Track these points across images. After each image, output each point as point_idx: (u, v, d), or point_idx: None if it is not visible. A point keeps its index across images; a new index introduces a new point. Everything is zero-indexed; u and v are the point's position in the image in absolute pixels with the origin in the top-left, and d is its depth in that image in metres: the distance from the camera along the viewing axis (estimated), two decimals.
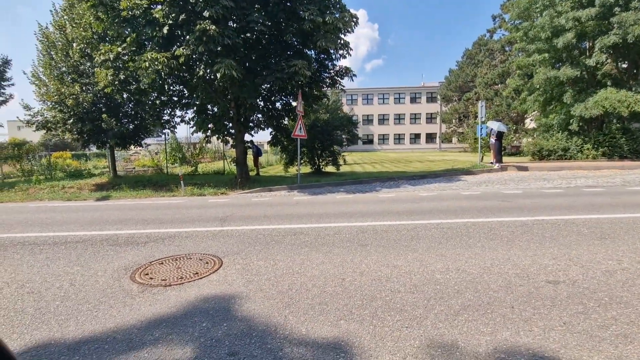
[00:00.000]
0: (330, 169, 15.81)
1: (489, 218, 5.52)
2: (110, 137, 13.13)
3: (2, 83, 15.60)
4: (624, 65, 16.25)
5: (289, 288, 3.14)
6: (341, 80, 12.28)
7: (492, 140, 14.26)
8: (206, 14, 8.36)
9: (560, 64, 16.35)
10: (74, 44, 12.81)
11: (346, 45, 10.51)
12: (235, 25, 9.66)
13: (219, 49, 8.53)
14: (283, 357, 2.12)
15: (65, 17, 13.18)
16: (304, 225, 5.52)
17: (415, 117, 49.49)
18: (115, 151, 16.31)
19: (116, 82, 10.05)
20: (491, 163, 14.17)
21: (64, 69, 13.09)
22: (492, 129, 14.38)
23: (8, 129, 38.27)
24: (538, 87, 17.04)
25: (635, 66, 15.76)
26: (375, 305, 2.75)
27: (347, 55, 11.01)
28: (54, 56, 13.14)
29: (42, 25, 13.41)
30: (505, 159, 16.01)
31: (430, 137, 49.30)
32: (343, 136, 15.78)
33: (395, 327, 2.42)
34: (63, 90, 12.25)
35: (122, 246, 4.67)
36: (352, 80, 12.33)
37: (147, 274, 3.61)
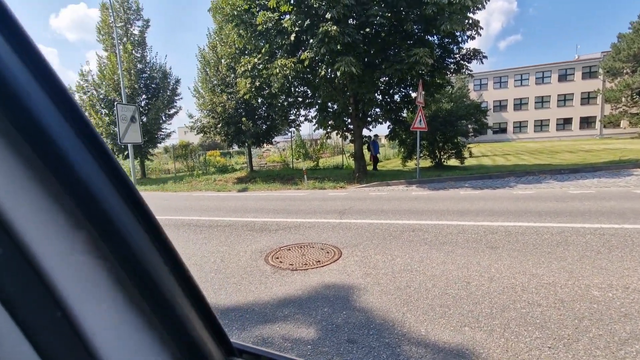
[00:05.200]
0: (452, 162, 14.64)
1: None
2: (248, 137, 15.27)
3: (175, 97, 19.79)
4: None
5: (407, 285, 3.07)
6: (468, 65, 11.18)
7: None
8: (328, 15, 8.77)
9: None
10: (223, 60, 15.27)
11: (475, 25, 9.49)
12: (354, 22, 9.85)
13: (339, 47, 8.86)
14: (401, 354, 2.10)
15: (216, 38, 15.82)
16: (422, 221, 5.29)
17: (564, 99, 41.06)
18: (251, 149, 18.83)
19: (253, 89, 11.56)
20: None
21: (215, 82, 15.78)
22: None
23: (178, 134, 48.83)
24: None
25: None
26: (507, 317, 2.44)
27: (475, 36, 9.96)
28: (208, 72, 15.97)
29: (200, 47, 16.47)
30: None
31: (586, 122, 40.25)
32: (469, 126, 14.33)
33: (534, 345, 2.10)
34: (214, 99, 14.82)
35: (257, 232, 5.38)
36: (482, 62, 11.09)
37: (277, 258, 4.07)
